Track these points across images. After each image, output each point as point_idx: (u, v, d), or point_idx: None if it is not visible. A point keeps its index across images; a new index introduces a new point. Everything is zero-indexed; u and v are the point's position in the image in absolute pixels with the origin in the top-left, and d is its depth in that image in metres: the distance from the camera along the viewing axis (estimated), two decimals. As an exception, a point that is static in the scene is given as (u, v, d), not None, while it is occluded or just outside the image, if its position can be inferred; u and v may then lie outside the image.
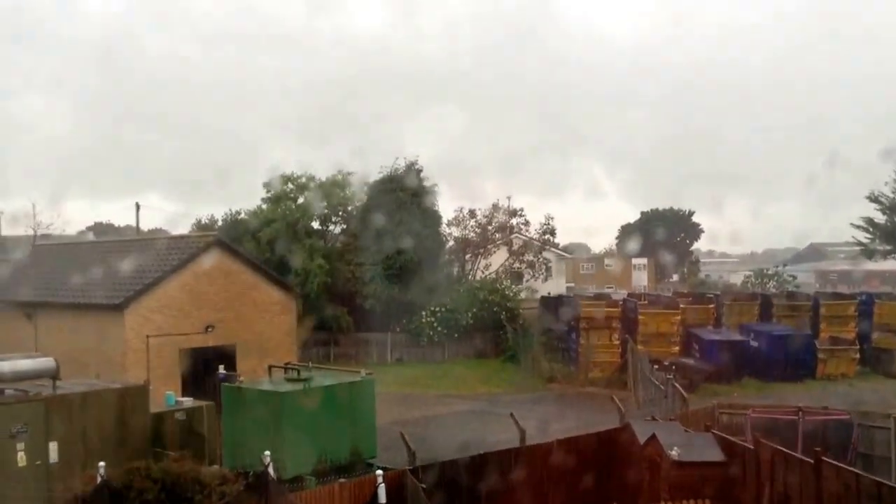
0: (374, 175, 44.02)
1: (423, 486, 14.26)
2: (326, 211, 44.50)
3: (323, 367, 21.13)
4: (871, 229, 52.31)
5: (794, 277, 58.42)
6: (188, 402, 20.63)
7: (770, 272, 57.72)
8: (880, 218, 51.82)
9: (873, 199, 51.40)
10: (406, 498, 14.64)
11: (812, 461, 13.04)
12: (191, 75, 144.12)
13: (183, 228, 50.88)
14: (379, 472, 14.69)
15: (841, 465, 13.26)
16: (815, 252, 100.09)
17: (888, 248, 52.09)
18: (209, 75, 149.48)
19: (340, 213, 44.98)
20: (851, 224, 53.36)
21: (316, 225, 44.68)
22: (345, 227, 45.04)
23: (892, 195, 50.83)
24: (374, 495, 14.24)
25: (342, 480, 14.84)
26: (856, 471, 12.96)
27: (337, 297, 42.01)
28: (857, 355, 35.10)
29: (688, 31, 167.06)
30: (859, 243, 53.67)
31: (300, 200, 44.28)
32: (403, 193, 41.38)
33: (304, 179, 44.29)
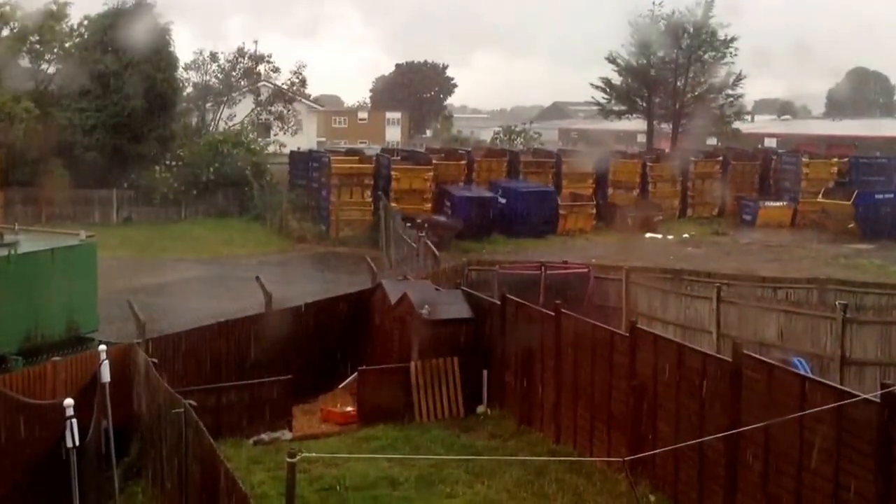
0: (98, 8, 38.54)
1: (155, 360, 12.85)
2: (39, 47, 38.46)
3: (33, 229, 18.41)
4: (608, 90, 54.87)
5: (540, 135, 60.54)
6: None
7: (518, 129, 59.31)
8: (617, 79, 54.42)
9: (611, 60, 53.61)
10: (134, 375, 13.20)
11: (552, 313, 13.68)
12: None
13: None
14: (102, 347, 13.01)
15: (578, 315, 13.82)
16: (559, 110, 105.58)
17: (623, 108, 55.05)
18: None
19: (56, 50, 39.07)
20: (591, 84, 55.73)
21: (25, 63, 38.54)
22: (61, 67, 39.30)
23: (627, 57, 53.35)
24: (97, 374, 12.60)
25: (56, 359, 13.12)
26: (590, 321, 13.55)
27: (50, 147, 36.87)
28: (594, 211, 37.24)
29: None
30: (597, 103, 56.29)
31: (3, 32, 37.85)
32: (133, 31, 36.69)
33: (7, 7, 37.64)
